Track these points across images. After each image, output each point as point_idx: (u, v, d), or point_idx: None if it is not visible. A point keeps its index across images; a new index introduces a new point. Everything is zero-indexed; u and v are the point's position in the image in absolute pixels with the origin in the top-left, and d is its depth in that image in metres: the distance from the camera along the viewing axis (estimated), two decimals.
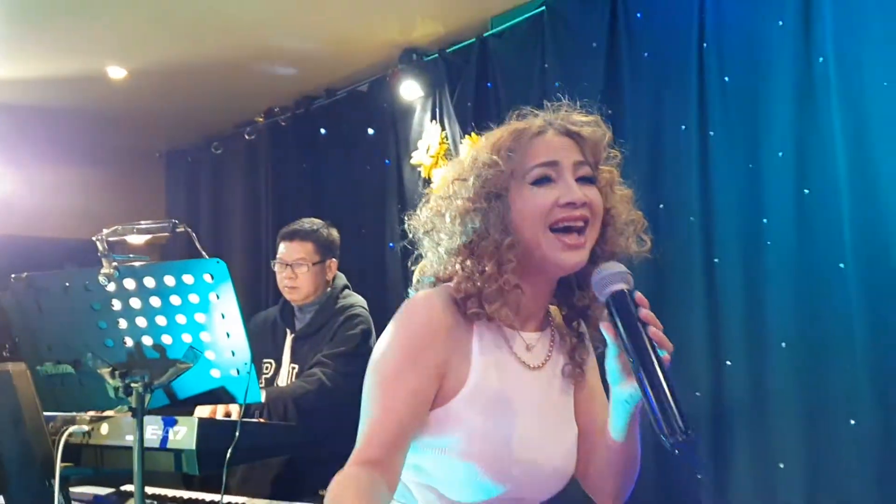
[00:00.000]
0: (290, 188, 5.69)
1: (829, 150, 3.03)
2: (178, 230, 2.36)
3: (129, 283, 2.15)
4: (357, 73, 5.17)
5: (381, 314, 2.73)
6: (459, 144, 4.37)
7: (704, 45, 3.43)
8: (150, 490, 2.80)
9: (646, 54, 3.67)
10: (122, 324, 2.18)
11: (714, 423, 3.35)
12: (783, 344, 3.13)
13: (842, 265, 2.98)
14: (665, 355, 1.33)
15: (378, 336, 1.51)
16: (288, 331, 3.41)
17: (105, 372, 2.14)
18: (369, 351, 1.49)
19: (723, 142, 3.36)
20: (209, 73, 5.18)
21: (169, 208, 6.91)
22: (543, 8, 4.09)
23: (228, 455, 2.23)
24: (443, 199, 1.51)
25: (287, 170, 5.74)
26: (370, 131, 5.14)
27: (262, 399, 2.85)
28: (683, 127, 3.48)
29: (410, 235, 1.56)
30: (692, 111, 3.43)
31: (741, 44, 3.33)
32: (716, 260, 3.37)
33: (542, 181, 1.45)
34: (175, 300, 2.14)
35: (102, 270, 2.12)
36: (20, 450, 2.39)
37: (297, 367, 3.31)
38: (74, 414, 2.48)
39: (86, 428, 2.42)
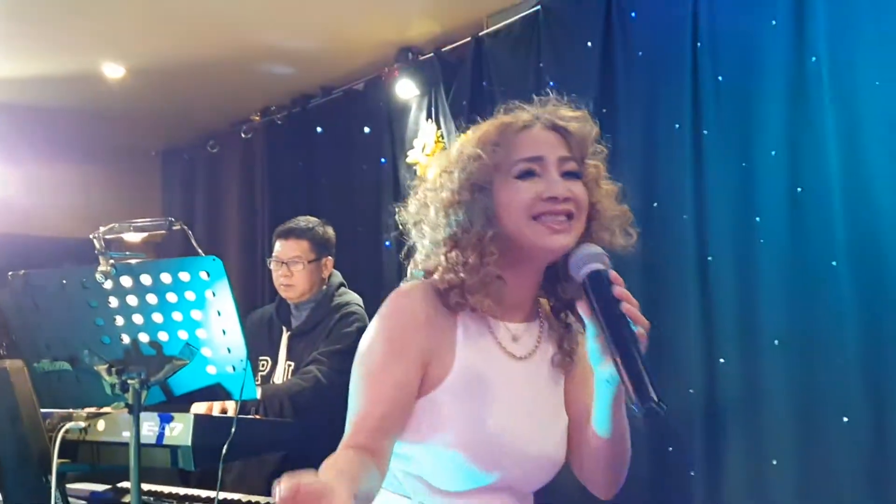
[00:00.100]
0: (287, 186, 5.70)
1: (822, 149, 3.04)
2: (174, 228, 2.38)
3: (126, 281, 2.17)
4: (353, 71, 5.17)
5: (377, 312, 2.74)
6: (455, 143, 4.38)
7: (698, 44, 3.44)
8: (146, 486, 2.82)
9: (640, 53, 3.68)
10: (119, 321, 2.20)
11: (707, 421, 3.36)
12: (776, 341, 3.14)
13: (834, 263, 2.99)
14: (640, 330, 1.34)
15: None
16: (284, 328, 3.43)
17: (102, 369, 2.16)
18: None
19: (716, 140, 3.37)
20: (206, 71, 5.19)
21: (165, 206, 6.91)
22: (538, 7, 4.10)
23: (224, 451, 2.25)
24: (429, 191, 1.54)
25: (283, 168, 5.75)
26: (366, 130, 5.15)
27: (258, 396, 2.86)
28: (677, 125, 3.50)
29: (401, 227, 1.58)
30: (686, 110, 3.44)
31: (735, 43, 3.35)
32: (709, 258, 3.38)
33: (526, 175, 1.47)
34: (171, 297, 2.16)
35: (99, 268, 2.14)
36: (17, 446, 2.41)
37: (293, 364, 3.32)
38: (71, 410, 2.50)
39: (82, 424, 2.44)
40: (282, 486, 1.02)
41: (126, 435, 2.25)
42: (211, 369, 2.24)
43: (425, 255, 1.53)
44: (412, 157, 4.73)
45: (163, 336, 2.19)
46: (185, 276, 2.13)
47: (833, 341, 3.00)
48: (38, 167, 6.25)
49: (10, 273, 2.28)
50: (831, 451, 2.99)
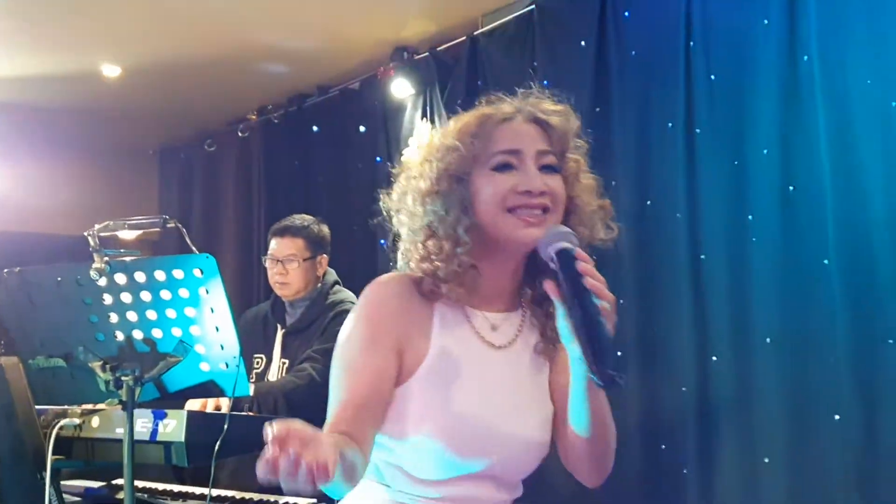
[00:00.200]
0: (283, 185, 5.72)
1: (814, 148, 3.06)
2: (168, 226, 2.38)
3: (120, 278, 2.17)
4: (349, 71, 5.19)
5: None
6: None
7: (691, 43, 3.46)
8: (141, 483, 2.83)
9: (633, 53, 3.70)
10: (113, 318, 2.20)
11: (700, 418, 3.38)
12: (768, 339, 3.16)
13: (826, 261, 3.01)
14: (603, 304, 1.34)
15: None
16: (279, 326, 3.44)
17: (96, 365, 2.17)
18: None
19: (709, 139, 3.39)
20: (203, 70, 5.20)
21: (162, 205, 6.92)
22: (533, 7, 4.12)
23: (217, 448, 2.26)
24: (409, 180, 1.54)
25: (279, 166, 5.76)
26: (362, 129, 5.16)
27: (251, 393, 2.87)
28: (670, 124, 3.52)
29: (385, 214, 1.59)
30: (679, 109, 3.46)
31: (727, 42, 3.37)
32: (702, 256, 3.40)
33: (503, 168, 1.47)
34: (165, 295, 2.16)
35: (94, 265, 2.14)
36: (12, 443, 2.42)
37: (287, 362, 3.33)
38: (66, 407, 2.51)
39: (77, 421, 2.46)
40: (274, 427, 1.08)
41: (120, 431, 2.25)
42: (204, 366, 2.24)
43: (404, 243, 1.54)
44: (407, 155, 4.74)
45: (157, 333, 2.20)
46: (178, 274, 2.14)
47: (824, 339, 3.01)
48: (35, 165, 6.26)
49: (4, 270, 2.29)
50: (822, 449, 3.01)
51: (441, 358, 1.48)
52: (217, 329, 2.19)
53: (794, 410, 3.10)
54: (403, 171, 1.58)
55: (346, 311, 3.29)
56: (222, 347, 2.21)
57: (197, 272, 2.13)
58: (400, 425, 1.45)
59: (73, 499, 2.79)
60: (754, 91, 3.26)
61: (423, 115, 4.72)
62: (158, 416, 2.36)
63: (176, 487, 2.86)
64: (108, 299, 2.19)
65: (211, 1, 4.36)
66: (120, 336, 2.21)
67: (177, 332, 2.19)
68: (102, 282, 2.16)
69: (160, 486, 2.87)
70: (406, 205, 1.53)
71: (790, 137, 3.15)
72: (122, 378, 2.14)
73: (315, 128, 5.53)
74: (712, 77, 3.40)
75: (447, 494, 1.47)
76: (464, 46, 4.51)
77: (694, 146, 3.44)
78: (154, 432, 2.34)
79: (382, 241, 4.82)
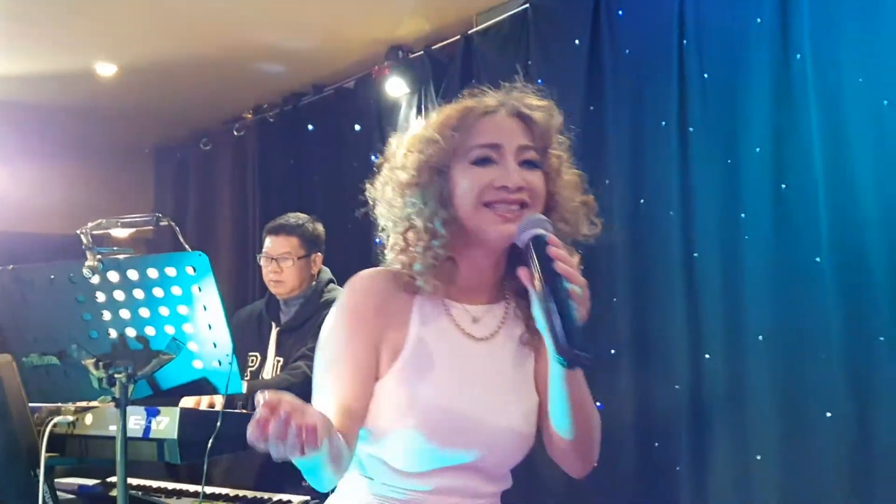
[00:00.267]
0: (278, 183, 5.72)
1: (806, 146, 3.07)
2: (161, 224, 2.39)
3: (113, 276, 2.17)
4: (344, 69, 5.20)
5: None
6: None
7: (684, 42, 3.47)
8: (135, 481, 2.83)
9: (627, 51, 3.71)
10: (106, 315, 2.21)
11: (693, 416, 3.39)
12: (760, 337, 3.17)
13: (818, 259, 3.02)
14: (574, 288, 1.33)
15: None
16: (273, 324, 3.45)
17: (89, 363, 2.17)
18: None
19: (702, 137, 3.40)
20: (198, 69, 5.21)
21: (157, 203, 6.92)
22: (527, 5, 4.13)
23: (210, 445, 2.27)
24: (391, 171, 1.54)
25: (275, 165, 5.77)
26: (357, 127, 5.17)
27: (244, 390, 2.88)
28: (664, 123, 3.52)
29: (370, 202, 1.58)
30: (672, 107, 3.47)
31: (720, 41, 3.37)
32: (695, 254, 3.40)
33: (482, 162, 1.47)
34: (158, 292, 2.17)
35: (86, 263, 2.15)
36: (6, 440, 2.43)
37: (281, 360, 3.34)
38: (59, 405, 2.52)
39: (70, 418, 2.46)
40: (266, 394, 1.12)
41: (113, 429, 2.26)
42: (197, 364, 2.25)
43: (385, 234, 1.55)
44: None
45: (149, 331, 2.20)
46: (171, 272, 2.14)
47: (817, 337, 3.02)
48: (30, 164, 6.26)
49: None
50: (815, 446, 3.02)
51: (418, 351, 1.48)
52: (210, 327, 2.19)
53: (787, 408, 3.11)
54: (387, 161, 1.57)
55: None
56: (215, 345, 2.22)
57: (189, 270, 2.14)
58: (380, 419, 1.46)
59: (67, 496, 2.80)
60: (747, 90, 3.26)
61: (418, 113, 4.72)
62: (151, 414, 2.36)
63: (170, 485, 2.86)
64: (100, 297, 2.19)
65: (206, 0, 4.37)
66: (113, 334, 2.21)
67: (170, 329, 2.19)
68: (95, 279, 2.16)
69: (154, 484, 2.87)
70: (387, 196, 1.53)
71: (783, 136, 3.16)
72: (116, 375, 2.14)
73: (310, 127, 5.53)
74: (705, 75, 3.41)
75: (430, 486, 1.48)
76: (458, 45, 4.51)
77: (687, 144, 3.45)
78: (147, 429, 2.34)
79: (378, 240, 4.82)
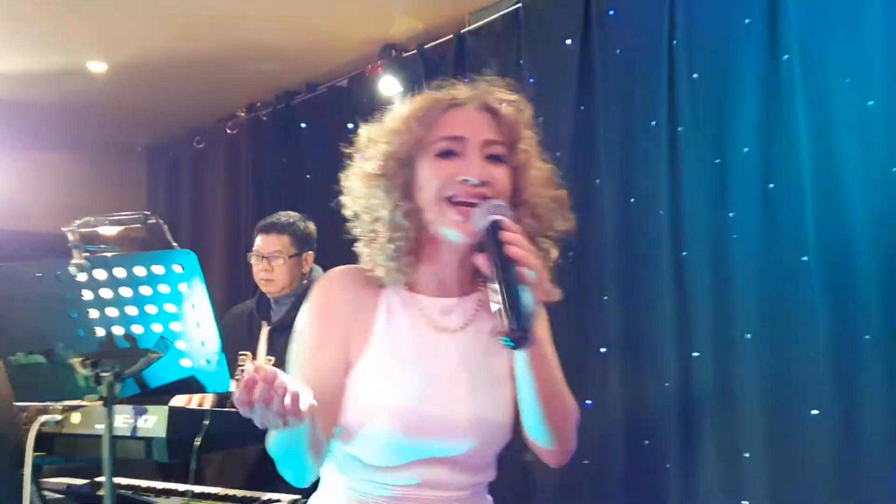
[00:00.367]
0: (271, 182, 5.72)
1: (794, 146, 3.09)
2: (149, 222, 2.39)
3: (100, 274, 2.16)
4: (337, 68, 5.20)
5: None
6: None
7: (674, 42, 3.49)
8: (125, 480, 2.83)
9: (617, 51, 3.73)
10: (93, 314, 2.20)
11: (681, 414, 3.40)
12: (747, 335, 3.19)
13: (805, 258, 3.04)
14: (526, 272, 1.31)
15: None
16: (264, 323, 3.44)
17: (76, 361, 2.17)
18: None
19: (691, 137, 3.42)
20: (190, 67, 5.20)
21: (150, 202, 6.91)
22: (519, 5, 4.14)
23: (199, 443, 2.27)
24: (361, 161, 1.52)
25: (268, 164, 5.77)
26: (350, 126, 5.16)
27: (232, 388, 2.87)
28: (653, 122, 3.54)
29: (344, 196, 1.55)
30: (662, 107, 3.49)
31: (710, 41, 3.39)
32: (684, 253, 3.42)
33: (445, 154, 1.45)
34: (145, 290, 2.15)
35: (73, 261, 2.14)
36: None
37: (273, 359, 3.33)
38: (47, 403, 2.51)
39: (58, 417, 2.46)
40: (255, 363, 1.14)
41: (101, 427, 2.25)
42: (185, 362, 2.24)
43: (354, 225, 1.53)
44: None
45: (137, 329, 2.19)
46: (159, 270, 2.13)
47: (804, 335, 3.04)
48: (22, 163, 6.25)
49: None
50: (802, 444, 3.04)
51: (387, 345, 1.48)
52: (198, 325, 2.19)
53: (774, 405, 3.13)
54: (357, 151, 1.55)
55: None
56: (203, 344, 2.21)
57: (177, 268, 2.13)
58: (350, 413, 1.45)
59: (56, 496, 2.79)
60: (736, 90, 3.28)
61: None
62: (139, 412, 2.36)
63: (159, 484, 2.86)
64: (87, 295, 2.18)
65: None
66: (100, 332, 2.20)
67: (157, 328, 2.19)
68: (82, 277, 2.15)
69: (144, 483, 2.87)
70: (355, 186, 1.52)
71: (771, 135, 3.18)
72: (102, 374, 2.14)
73: (303, 125, 5.53)
74: (695, 76, 3.43)
75: (408, 480, 1.47)
76: (451, 44, 4.53)
77: (676, 144, 3.46)
78: (135, 428, 2.34)
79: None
